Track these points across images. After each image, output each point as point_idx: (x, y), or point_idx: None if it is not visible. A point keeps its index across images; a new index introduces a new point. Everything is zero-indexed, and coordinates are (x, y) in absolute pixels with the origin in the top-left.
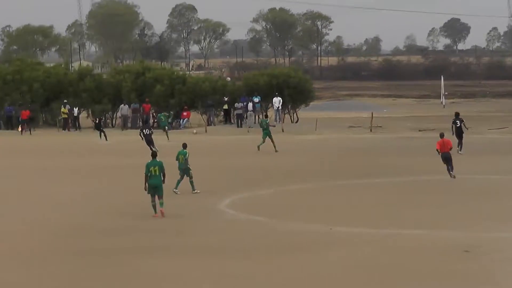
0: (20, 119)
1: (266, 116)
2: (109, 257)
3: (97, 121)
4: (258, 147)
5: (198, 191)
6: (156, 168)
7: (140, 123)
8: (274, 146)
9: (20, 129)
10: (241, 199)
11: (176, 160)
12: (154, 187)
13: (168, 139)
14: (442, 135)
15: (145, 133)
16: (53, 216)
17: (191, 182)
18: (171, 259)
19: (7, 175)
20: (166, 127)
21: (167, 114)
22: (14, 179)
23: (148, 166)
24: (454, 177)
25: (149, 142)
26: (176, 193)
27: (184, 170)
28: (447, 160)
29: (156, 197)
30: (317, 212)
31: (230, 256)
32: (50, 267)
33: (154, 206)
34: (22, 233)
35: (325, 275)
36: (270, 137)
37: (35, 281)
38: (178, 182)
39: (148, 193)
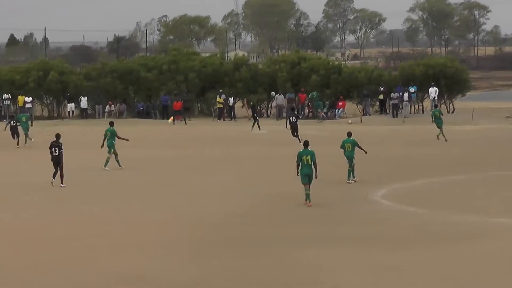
0: (172, 111)
1: (436, 106)
2: (265, 247)
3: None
4: (438, 136)
5: (355, 180)
6: (308, 157)
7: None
8: (443, 136)
9: (171, 119)
10: (396, 190)
11: (342, 148)
12: (306, 176)
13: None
14: None
15: (291, 120)
16: (208, 205)
17: (350, 171)
18: (327, 249)
19: (161, 165)
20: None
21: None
22: (169, 169)
23: (300, 155)
24: None
25: (294, 130)
26: (354, 181)
27: (349, 158)
28: None
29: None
30: (473, 203)
31: (385, 247)
32: (208, 256)
33: (307, 195)
34: (179, 223)
35: (481, 266)
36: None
37: (195, 270)
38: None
39: (302, 182)
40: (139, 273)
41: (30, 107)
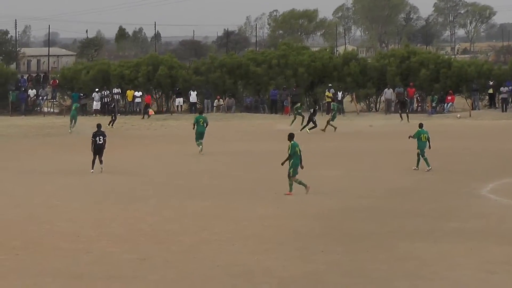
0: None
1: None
2: (374, 241)
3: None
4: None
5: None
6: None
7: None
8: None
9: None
10: (505, 184)
11: (415, 137)
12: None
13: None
14: None
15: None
16: (314, 199)
17: (426, 159)
18: (436, 243)
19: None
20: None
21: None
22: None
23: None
24: None
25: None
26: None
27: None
28: None
29: None
30: None
31: (495, 241)
32: (315, 251)
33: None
34: (284, 217)
35: None
36: None
37: (304, 264)
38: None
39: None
40: (247, 267)
41: (139, 102)
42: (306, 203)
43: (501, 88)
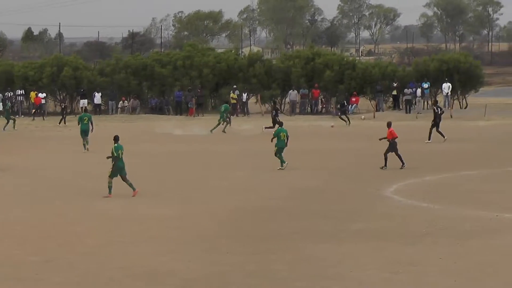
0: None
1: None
2: (279, 242)
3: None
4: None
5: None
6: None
7: (309, 108)
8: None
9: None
10: (408, 185)
11: (275, 136)
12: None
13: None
14: None
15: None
16: (220, 201)
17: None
18: (340, 244)
19: (174, 160)
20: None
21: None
22: (183, 164)
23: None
24: None
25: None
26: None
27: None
28: None
29: None
30: (485, 198)
31: (398, 242)
32: (221, 252)
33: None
34: (191, 218)
35: (492, 262)
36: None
37: (209, 265)
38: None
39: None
40: (150, 268)
41: (43, 103)
42: (212, 204)
43: (405, 90)
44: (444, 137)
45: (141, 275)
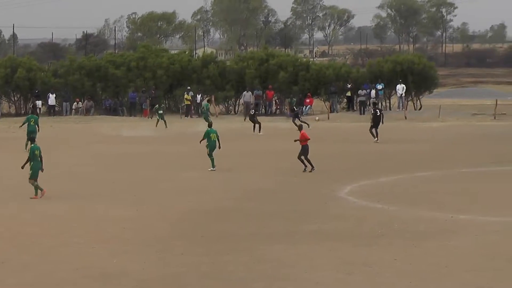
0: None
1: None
2: (234, 243)
3: (252, 113)
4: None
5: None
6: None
7: (263, 110)
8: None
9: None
10: (362, 186)
11: (205, 137)
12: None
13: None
14: None
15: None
16: (175, 202)
17: (212, 160)
18: (295, 245)
19: (129, 162)
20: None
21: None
22: (137, 166)
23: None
24: None
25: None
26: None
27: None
28: None
29: None
30: (440, 199)
31: (352, 243)
32: (176, 253)
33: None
34: (145, 219)
35: (448, 263)
36: None
37: (164, 266)
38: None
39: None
40: (105, 269)
41: None
42: (166, 205)
43: (359, 91)
44: (375, 138)
45: (96, 276)
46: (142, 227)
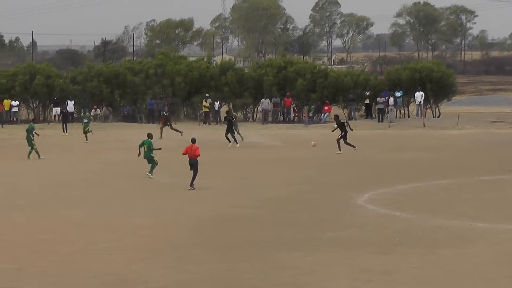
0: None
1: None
2: (250, 251)
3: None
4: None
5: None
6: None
7: (281, 117)
8: None
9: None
10: (381, 194)
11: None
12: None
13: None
14: None
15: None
16: (193, 209)
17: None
18: (313, 253)
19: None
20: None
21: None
22: (155, 173)
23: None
24: None
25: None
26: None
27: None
28: None
29: None
30: (458, 207)
31: (370, 251)
32: (192, 260)
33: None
34: (162, 227)
35: (466, 271)
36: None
37: (180, 273)
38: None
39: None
40: (122, 276)
41: (16, 111)
42: (184, 212)
43: (378, 99)
44: (340, 150)
45: (113, 283)
46: (160, 234)
